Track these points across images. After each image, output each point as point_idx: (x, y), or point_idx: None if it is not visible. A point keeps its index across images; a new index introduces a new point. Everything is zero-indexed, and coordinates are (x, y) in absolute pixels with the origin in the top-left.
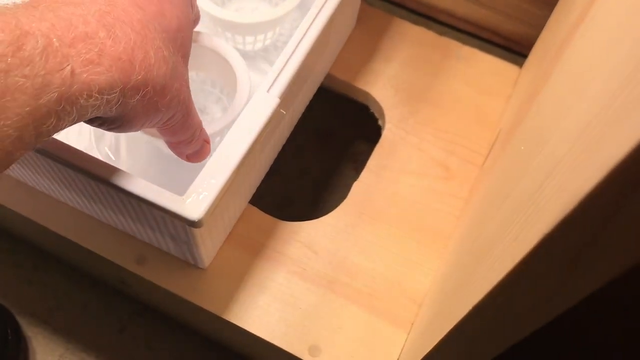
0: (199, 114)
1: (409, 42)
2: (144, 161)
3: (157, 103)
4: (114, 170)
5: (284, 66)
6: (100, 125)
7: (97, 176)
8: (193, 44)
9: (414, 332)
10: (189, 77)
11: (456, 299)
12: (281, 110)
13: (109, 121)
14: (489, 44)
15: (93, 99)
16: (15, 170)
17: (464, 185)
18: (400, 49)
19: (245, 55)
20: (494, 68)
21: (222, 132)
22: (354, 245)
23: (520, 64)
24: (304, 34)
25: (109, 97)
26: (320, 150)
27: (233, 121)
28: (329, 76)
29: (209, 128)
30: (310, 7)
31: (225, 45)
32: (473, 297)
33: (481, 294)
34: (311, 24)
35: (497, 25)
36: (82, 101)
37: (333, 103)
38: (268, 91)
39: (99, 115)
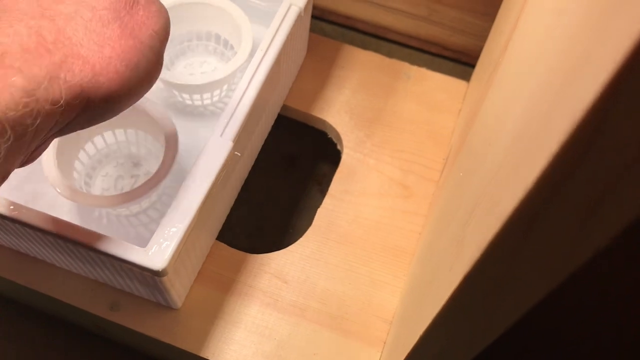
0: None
1: (359, 66)
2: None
3: None
4: (74, 227)
5: (235, 110)
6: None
7: (57, 235)
8: None
9: (386, 350)
10: None
11: (412, 321)
12: (236, 153)
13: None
14: (439, 58)
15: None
16: None
17: (422, 202)
18: (351, 74)
19: (193, 110)
20: (443, 85)
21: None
22: (323, 271)
23: (469, 78)
24: (252, 76)
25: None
26: (285, 176)
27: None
28: (285, 107)
29: None
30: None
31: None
32: (422, 323)
33: (428, 320)
34: (258, 65)
35: (444, 39)
36: None
37: (294, 130)
38: (221, 135)
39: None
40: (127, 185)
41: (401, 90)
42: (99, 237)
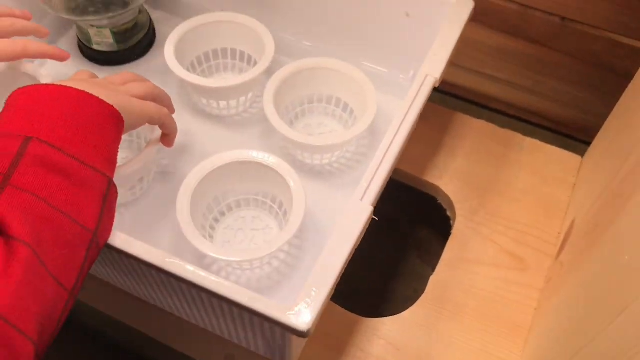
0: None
1: (471, 135)
2: None
3: None
4: (221, 283)
5: (374, 175)
6: None
7: (207, 290)
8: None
9: None
10: None
11: None
12: (374, 217)
13: None
14: (539, 128)
15: None
16: (114, 276)
17: (538, 275)
18: (463, 142)
19: (312, 168)
20: (556, 157)
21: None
22: (436, 342)
23: (573, 148)
24: (390, 144)
25: None
26: (384, 237)
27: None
28: (397, 170)
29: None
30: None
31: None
32: None
33: None
34: (395, 134)
35: (545, 110)
36: None
37: (395, 192)
38: (361, 199)
39: None
40: (246, 238)
41: (514, 160)
42: (244, 293)
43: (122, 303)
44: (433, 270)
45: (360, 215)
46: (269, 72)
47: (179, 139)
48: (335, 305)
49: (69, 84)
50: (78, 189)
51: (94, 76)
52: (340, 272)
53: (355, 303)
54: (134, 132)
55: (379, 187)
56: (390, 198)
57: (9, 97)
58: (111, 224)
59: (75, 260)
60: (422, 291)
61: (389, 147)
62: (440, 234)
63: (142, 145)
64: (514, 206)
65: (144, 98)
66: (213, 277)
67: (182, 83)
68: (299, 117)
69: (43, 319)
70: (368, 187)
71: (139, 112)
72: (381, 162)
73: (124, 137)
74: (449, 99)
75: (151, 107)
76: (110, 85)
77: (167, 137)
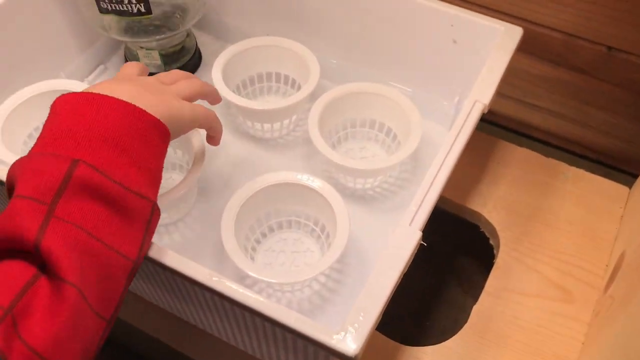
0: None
1: (515, 163)
2: None
3: None
4: (268, 304)
5: (422, 200)
6: None
7: (252, 309)
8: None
9: None
10: None
11: None
12: (422, 242)
13: None
14: (581, 158)
15: None
16: (156, 295)
17: (584, 308)
18: (507, 170)
19: (354, 192)
20: (602, 188)
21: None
22: None
23: (619, 179)
24: (438, 170)
25: None
26: (425, 265)
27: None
28: (440, 198)
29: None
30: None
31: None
32: None
33: None
34: (444, 160)
35: (588, 139)
36: None
37: (438, 218)
38: (410, 224)
39: None
40: (287, 260)
41: (559, 190)
42: (291, 315)
43: (157, 320)
44: (474, 299)
45: (409, 240)
46: (312, 95)
47: (222, 160)
48: (376, 331)
49: (117, 90)
50: (122, 217)
51: (143, 70)
52: (389, 297)
53: (394, 330)
54: (170, 148)
55: (428, 212)
56: (431, 225)
57: (54, 103)
58: (149, 245)
59: (116, 290)
60: (463, 321)
61: (439, 169)
62: (481, 263)
63: (177, 160)
64: (559, 236)
65: (193, 96)
66: (259, 297)
67: (228, 105)
68: (341, 140)
69: (82, 353)
70: (417, 212)
71: (189, 118)
72: (431, 185)
73: None
74: (489, 127)
75: (200, 111)
76: (160, 87)
77: (213, 139)
